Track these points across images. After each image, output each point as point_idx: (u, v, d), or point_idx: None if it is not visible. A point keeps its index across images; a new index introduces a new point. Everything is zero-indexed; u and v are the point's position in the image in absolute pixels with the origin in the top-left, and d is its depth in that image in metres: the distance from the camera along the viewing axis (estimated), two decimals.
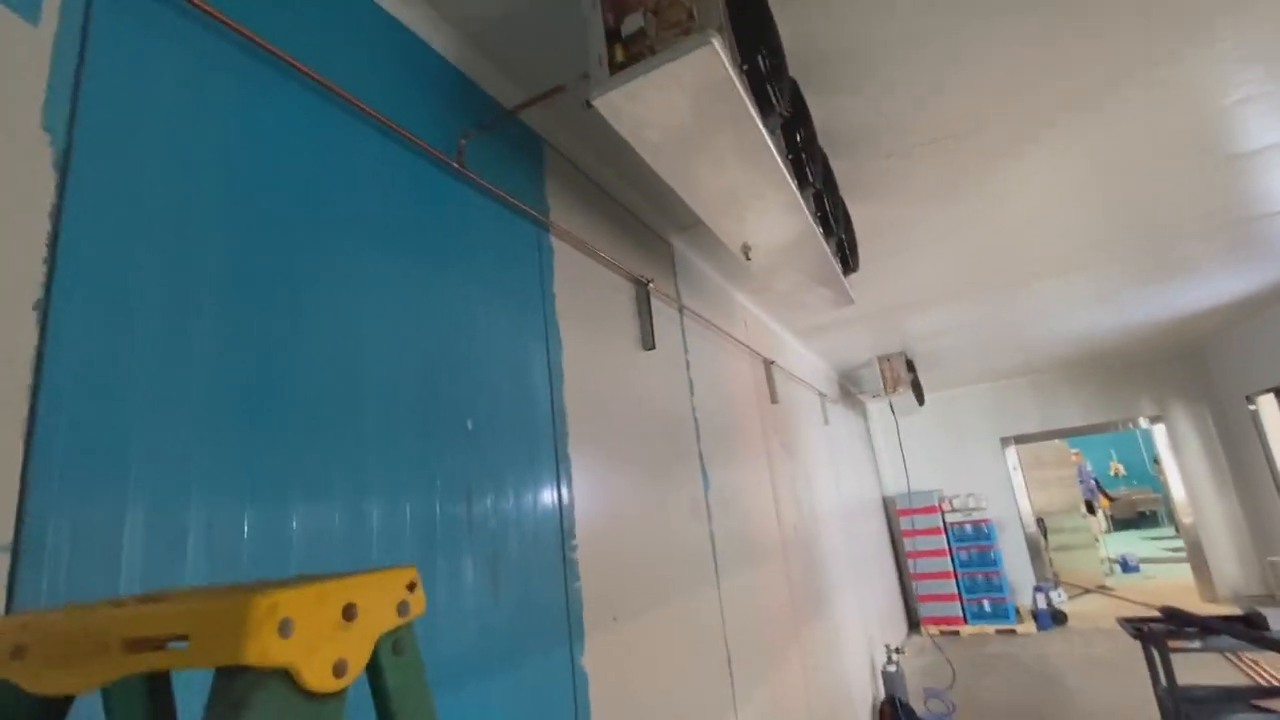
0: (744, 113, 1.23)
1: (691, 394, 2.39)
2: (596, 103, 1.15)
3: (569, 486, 1.47)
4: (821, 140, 1.94)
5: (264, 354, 0.88)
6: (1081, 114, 2.08)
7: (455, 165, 1.30)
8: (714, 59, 1.06)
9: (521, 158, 1.60)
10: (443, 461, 1.13)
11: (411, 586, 0.42)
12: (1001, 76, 1.84)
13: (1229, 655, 4.27)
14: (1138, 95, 2.01)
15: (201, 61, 0.90)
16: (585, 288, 1.77)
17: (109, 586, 0.67)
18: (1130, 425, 7.18)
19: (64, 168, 0.71)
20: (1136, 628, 2.72)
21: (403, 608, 0.41)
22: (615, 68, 1.11)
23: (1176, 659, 2.65)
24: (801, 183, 1.66)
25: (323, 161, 1.04)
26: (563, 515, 1.42)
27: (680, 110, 1.19)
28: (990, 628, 6.25)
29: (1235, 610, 2.86)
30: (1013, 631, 6.14)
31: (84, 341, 0.70)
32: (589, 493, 1.54)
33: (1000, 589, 6.30)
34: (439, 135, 1.30)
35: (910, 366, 5.58)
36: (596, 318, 1.80)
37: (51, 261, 0.68)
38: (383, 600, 0.39)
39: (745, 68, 1.23)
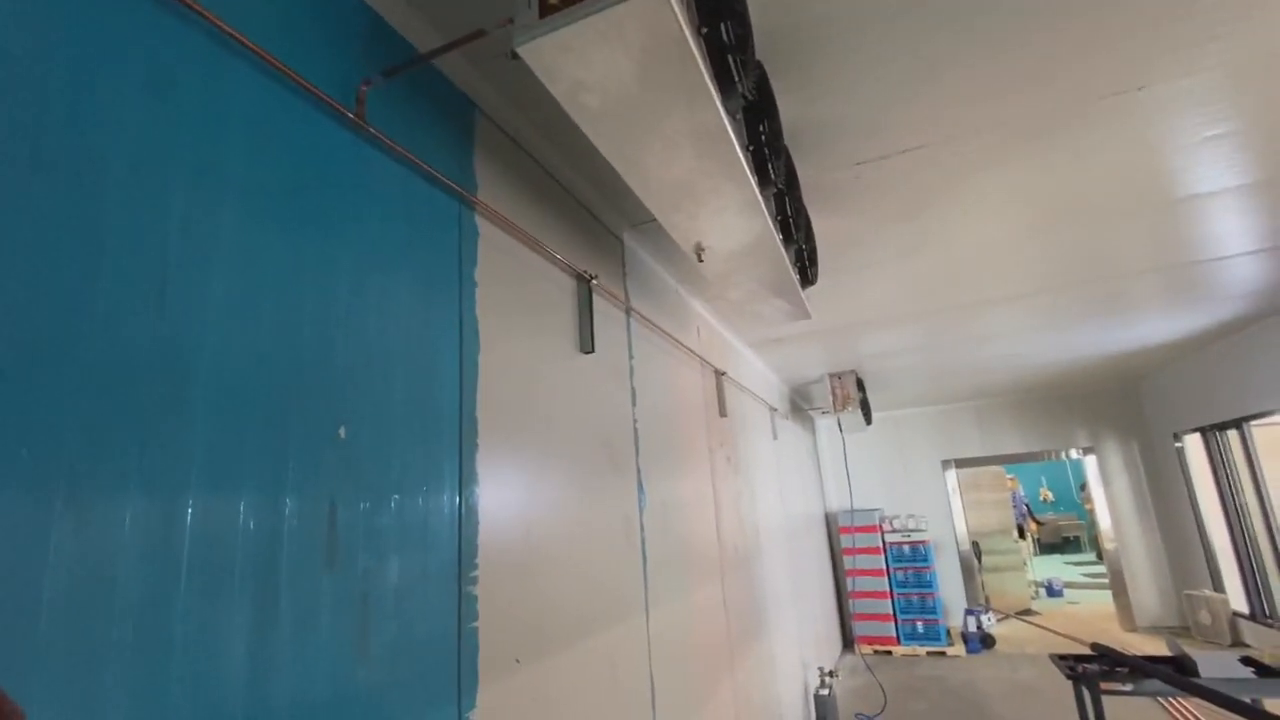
0: (700, 85, 1.05)
1: (634, 404, 2.20)
2: (522, 52, 0.95)
3: (474, 507, 1.25)
4: (786, 138, 1.78)
5: (44, 292, 0.64)
6: (1050, 134, 1.99)
7: (352, 116, 1.08)
8: (664, 9, 0.88)
9: (445, 121, 1.38)
10: (301, 476, 0.91)
11: None
12: (978, 85, 1.72)
13: (1158, 699, 4.34)
14: (1106, 121, 1.93)
15: None
16: (515, 278, 1.56)
17: None
18: (1064, 455, 7.40)
19: None
20: (1071, 668, 2.67)
21: None
22: (547, 10, 0.92)
23: (1106, 700, 2.62)
24: (763, 180, 1.50)
25: (169, 85, 0.81)
26: (462, 542, 1.20)
27: (624, 72, 1.00)
28: (922, 649, 6.29)
29: (1161, 648, 2.86)
30: (943, 654, 6.19)
31: None
32: (498, 515, 1.33)
33: (934, 610, 6.35)
34: (333, 79, 1.07)
35: (860, 385, 5.56)
36: (526, 312, 1.59)
37: None
38: None
39: (705, 31, 1.06)
